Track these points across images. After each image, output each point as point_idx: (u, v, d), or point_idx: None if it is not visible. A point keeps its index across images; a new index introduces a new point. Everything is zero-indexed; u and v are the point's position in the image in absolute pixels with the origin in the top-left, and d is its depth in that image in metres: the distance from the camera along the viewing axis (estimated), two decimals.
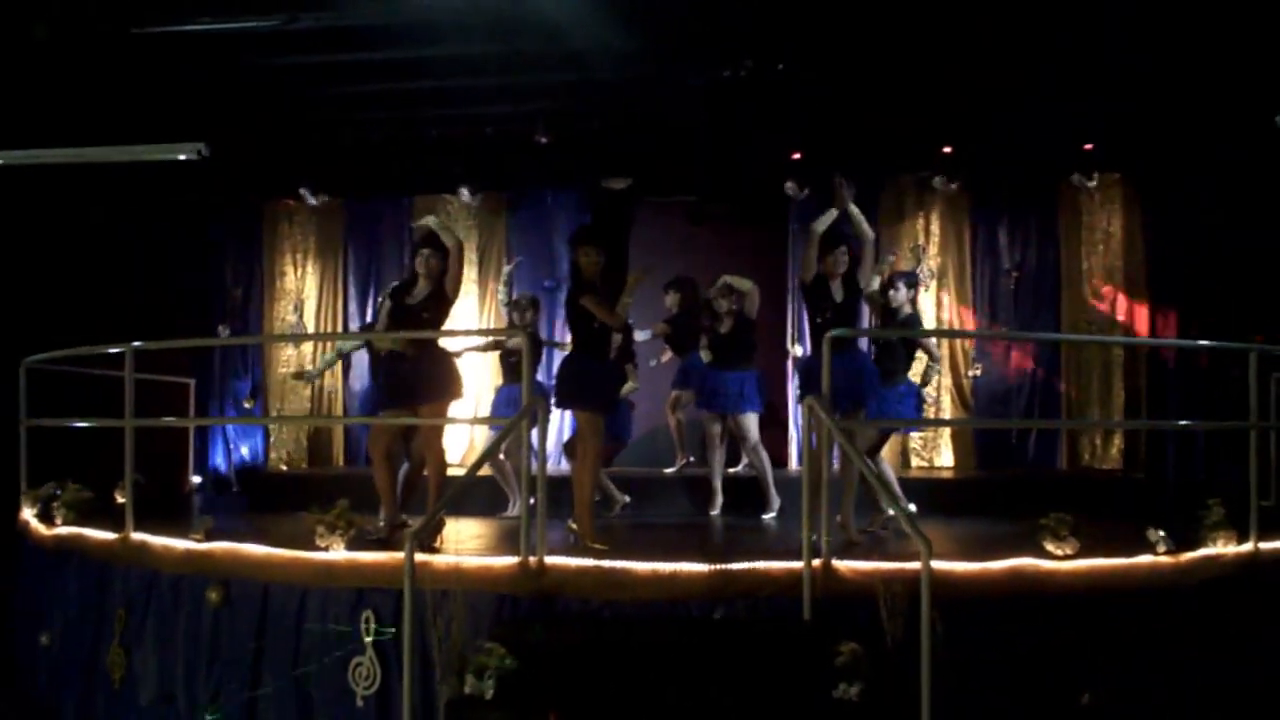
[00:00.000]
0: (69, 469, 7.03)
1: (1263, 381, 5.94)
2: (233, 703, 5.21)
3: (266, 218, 11.25)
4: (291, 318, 11.13)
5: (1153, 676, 4.78)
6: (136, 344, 6.00)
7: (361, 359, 8.96)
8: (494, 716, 4.10)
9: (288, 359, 11.06)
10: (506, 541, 5.77)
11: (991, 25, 7.38)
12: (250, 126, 9.34)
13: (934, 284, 10.23)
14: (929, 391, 8.71)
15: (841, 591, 4.63)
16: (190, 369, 9.88)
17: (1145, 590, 4.92)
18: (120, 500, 6.25)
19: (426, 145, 9.74)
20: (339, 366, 10.52)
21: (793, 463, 9.97)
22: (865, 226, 6.15)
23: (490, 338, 8.27)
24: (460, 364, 6.16)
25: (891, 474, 7.01)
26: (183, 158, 8.61)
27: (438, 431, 5.89)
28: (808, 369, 6.31)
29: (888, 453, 8.10)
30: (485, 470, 6.63)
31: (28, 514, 6.89)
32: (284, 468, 10.72)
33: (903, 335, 6.74)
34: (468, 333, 9.56)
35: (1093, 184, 9.70)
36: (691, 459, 8.60)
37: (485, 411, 9.63)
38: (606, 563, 4.83)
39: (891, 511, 5.98)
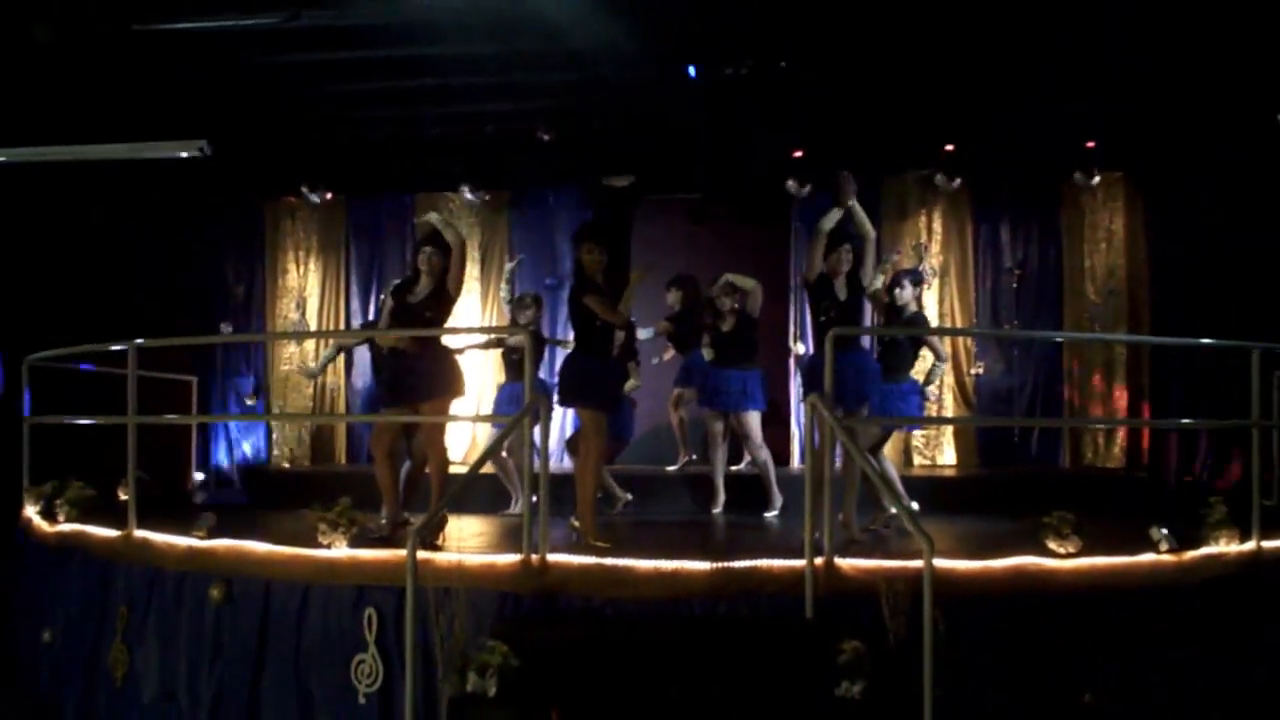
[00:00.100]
0: (71, 466, 7.04)
1: (1264, 379, 5.92)
2: (235, 700, 5.22)
3: (268, 215, 11.26)
4: (293, 315, 11.15)
5: (1155, 675, 4.78)
6: (139, 341, 6.01)
7: (364, 356, 8.98)
8: (496, 714, 4.10)
9: (290, 356, 11.07)
10: (509, 539, 5.77)
11: (991, 25, 7.38)
12: (252, 124, 9.35)
13: (936, 282, 10.22)
14: (931, 390, 8.70)
15: (844, 589, 4.63)
16: (192, 366, 9.89)
17: (1147, 589, 4.91)
18: (123, 497, 6.26)
19: (428, 143, 9.74)
20: (341, 364, 10.54)
21: (795, 461, 9.98)
22: (867, 224, 6.14)
23: (492, 335, 8.26)
24: (462, 362, 6.16)
25: (894, 472, 7.01)
26: (184, 155, 8.62)
27: (440, 429, 5.89)
28: (811, 367, 6.30)
29: (890, 451, 8.09)
30: (487, 468, 6.64)
31: (30, 511, 6.89)
32: (286, 465, 10.72)
33: (906, 333, 6.73)
34: (470, 330, 9.56)
35: (1095, 182, 9.70)
36: (694, 457, 8.60)
37: (487, 409, 9.64)
38: (609, 560, 4.83)
39: (894, 510, 5.98)
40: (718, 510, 7.60)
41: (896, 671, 4.11)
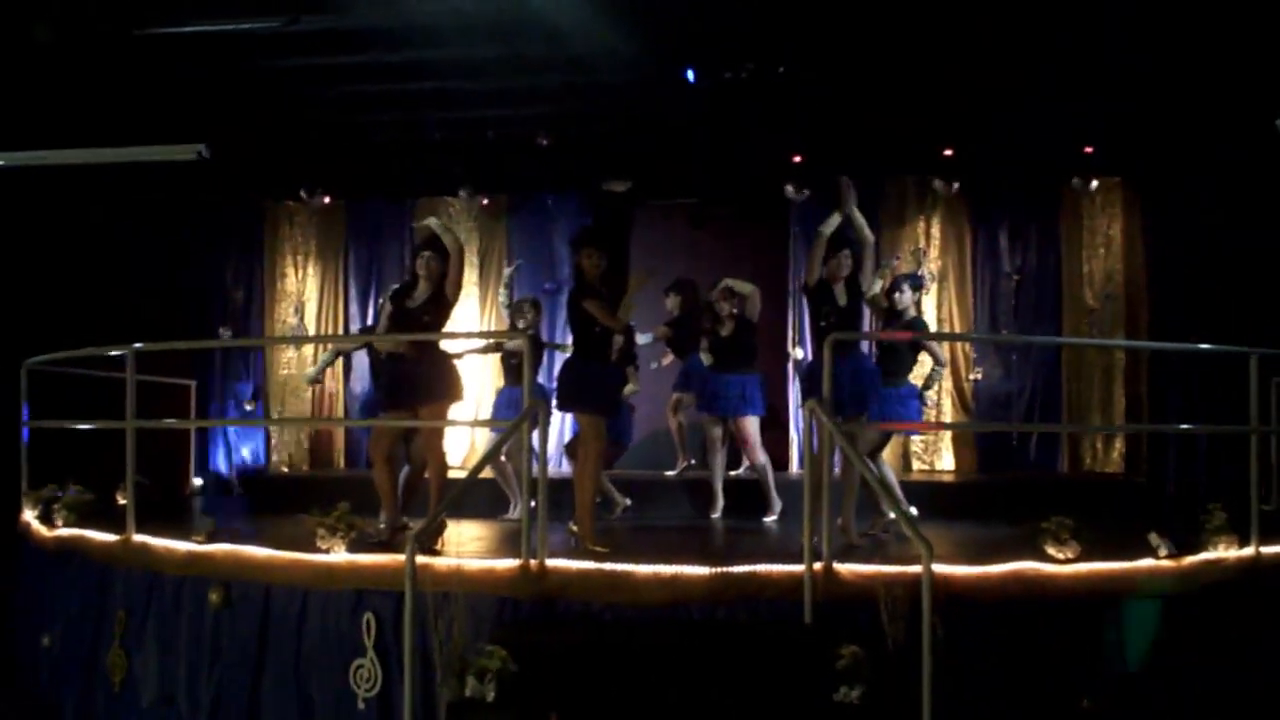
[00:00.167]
0: (70, 471, 7.04)
1: (1263, 385, 5.93)
2: (233, 705, 5.21)
3: (267, 219, 11.26)
4: (292, 319, 11.14)
5: (1153, 681, 4.77)
6: (138, 346, 6.01)
7: (362, 361, 8.98)
8: (495, 719, 4.10)
9: (288, 361, 11.07)
10: (507, 544, 5.77)
11: (991, 25, 7.38)
12: (251, 128, 9.35)
13: (934, 287, 10.23)
14: (930, 395, 8.70)
15: (842, 594, 4.63)
16: (191, 371, 9.90)
17: (1146, 594, 4.91)
18: (121, 502, 6.25)
19: (427, 147, 9.75)
20: (339, 369, 10.53)
21: (794, 465, 9.97)
22: (866, 230, 6.14)
23: (491, 340, 8.26)
24: (461, 366, 6.16)
25: (893, 477, 7.00)
26: (184, 159, 8.61)
27: (438, 434, 5.89)
28: (811, 373, 6.30)
29: (889, 455, 8.10)
30: (486, 472, 6.64)
31: (29, 515, 6.89)
32: (285, 470, 10.71)
33: (906, 338, 6.73)
34: (469, 335, 9.57)
35: (1093, 187, 9.71)
36: (692, 462, 8.60)
37: (486, 413, 9.64)
38: (607, 565, 4.83)
39: (892, 514, 5.97)
40: (716, 515, 7.59)
41: (895, 677, 4.11)
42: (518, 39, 7.58)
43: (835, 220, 6.01)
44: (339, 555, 5.18)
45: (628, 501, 7.69)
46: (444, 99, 9.06)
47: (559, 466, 9.22)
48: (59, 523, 6.47)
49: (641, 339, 8.09)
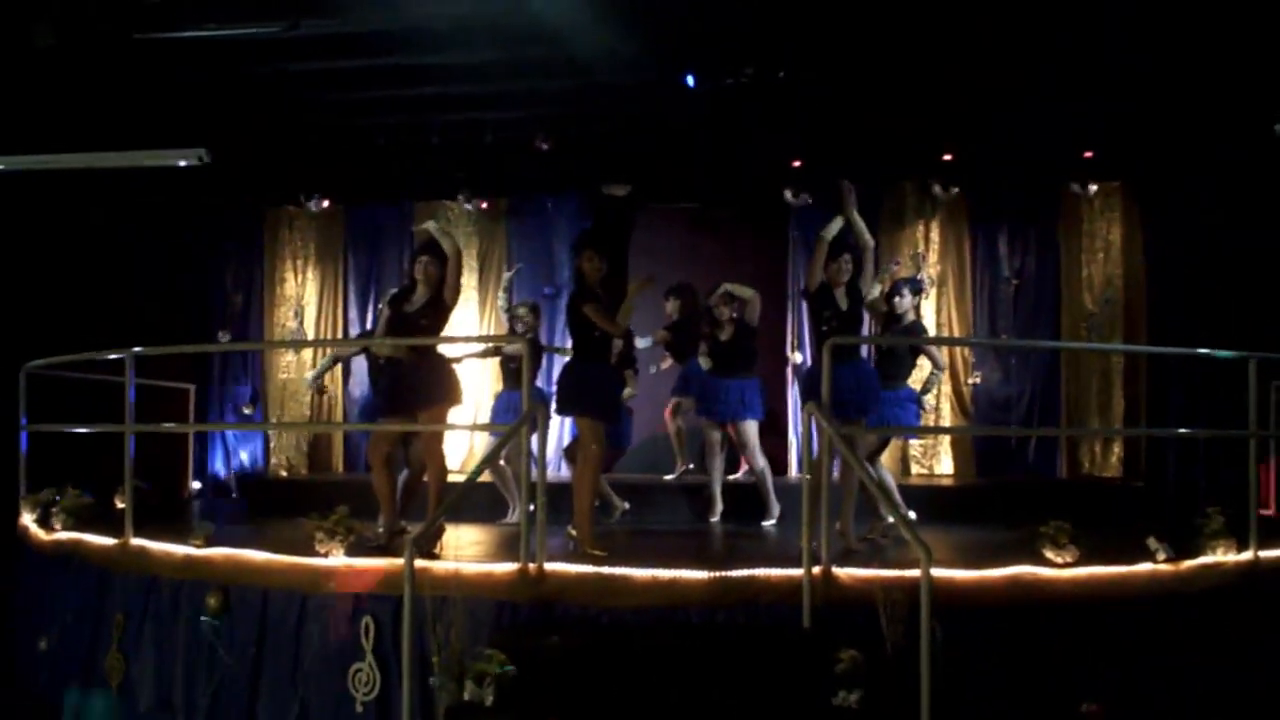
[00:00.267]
0: (69, 474, 7.03)
1: (1262, 389, 5.93)
2: (231, 709, 5.21)
3: (267, 223, 11.26)
4: (292, 323, 11.15)
5: (1152, 685, 4.77)
6: (137, 349, 6.01)
7: (361, 366, 8.98)
8: None
9: (288, 365, 11.07)
10: (506, 548, 5.76)
11: (991, 26, 7.38)
12: (251, 132, 9.36)
13: (934, 291, 10.24)
14: (929, 399, 8.70)
15: (841, 599, 4.63)
16: (190, 374, 9.90)
17: (1145, 599, 4.91)
18: (120, 505, 6.25)
19: (427, 151, 9.75)
20: (339, 373, 10.53)
21: (793, 470, 9.97)
22: (867, 234, 6.15)
23: (490, 344, 8.27)
24: (460, 370, 6.16)
25: (891, 481, 7.01)
26: (184, 163, 8.62)
27: (437, 438, 5.89)
28: (812, 377, 6.31)
29: (887, 459, 8.10)
30: (485, 477, 6.64)
31: (27, 519, 6.88)
32: (284, 474, 10.71)
33: (905, 343, 6.74)
34: (468, 339, 9.57)
35: (1093, 191, 9.72)
36: (691, 466, 8.59)
37: (485, 417, 9.63)
38: (606, 569, 4.83)
39: (891, 519, 5.97)
40: (715, 519, 7.59)
41: (894, 681, 4.11)
42: (517, 42, 7.58)
43: (836, 224, 6.02)
44: (337, 559, 5.18)
45: (626, 505, 7.69)
46: (444, 102, 9.07)
47: (558, 470, 9.23)
48: (57, 526, 6.47)
49: (641, 343, 8.09)
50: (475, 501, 7.55)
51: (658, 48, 7.77)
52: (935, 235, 10.33)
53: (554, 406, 5.88)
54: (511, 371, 7.67)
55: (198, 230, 11.01)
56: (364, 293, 11.11)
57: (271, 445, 11.02)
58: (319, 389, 10.03)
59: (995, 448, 10.10)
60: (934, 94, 8.54)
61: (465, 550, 5.74)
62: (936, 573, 4.29)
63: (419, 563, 4.57)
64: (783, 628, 4.60)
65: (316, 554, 5.20)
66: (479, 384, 10.16)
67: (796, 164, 9.82)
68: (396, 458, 6.25)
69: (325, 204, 10.62)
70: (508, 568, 4.87)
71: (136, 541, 5.78)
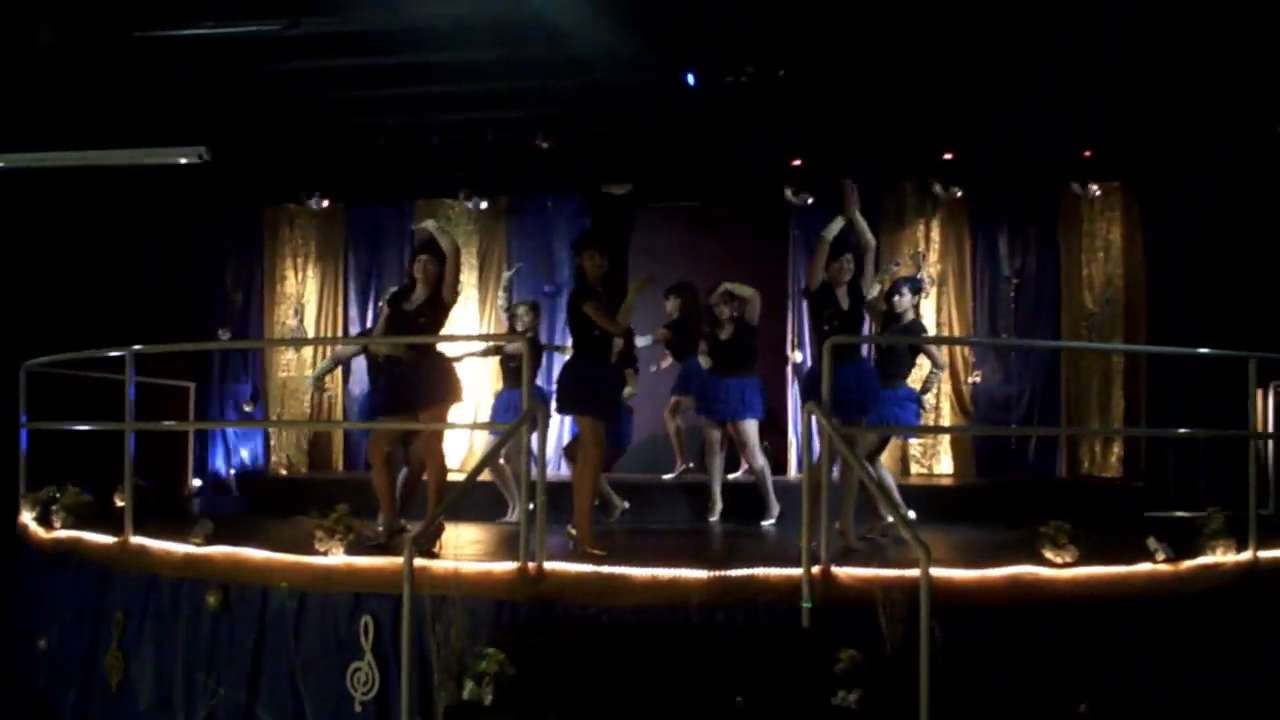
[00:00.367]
0: (69, 472, 7.04)
1: (1262, 389, 5.94)
2: (230, 707, 5.21)
3: (267, 221, 11.27)
4: (292, 322, 11.15)
5: (1152, 685, 4.78)
6: (137, 347, 6.01)
7: (361, 364, 8.99)
8: None
9: (288, 363, 11.07)
10: (506, 546, 5.76)
11: (991, 26, 7.38)
12: (251, 130, 9.36)
13: (934, 291, 10.23)
14: (929, 399, 8.70)
15: (841, 598, 4.63)
16: (190, 373, 9.90)
17: (1144, 599, 4.91)
18: (120, 503, 6.25)
19: (427, 149, 9.75)
20: (339, 372, 10.53)
21: (792, 469, 9.97)
22: (869, 234, 6.14)
23: (490, 342, 8.27)
24: (460, 368, 6.16)
25: (891, 481, 7.01)
26: (184, 161, 8.61)
27: (438, 436, 5.89)
28: (813, 377, 6.31)
29: (887, 459, 8.10)
30: (485, 475, 6.63)
31: (27, 517, 6.88)
32: (284, 472, 10.71)
33: (905, 341, 6.74)
34: (468, 337, 9.57)
35: (1093, 192, 9.72)
36: (691, 465, 8.60)
37: (485, 416, 9.64)
38: (605, 568, 4.83)
39: (891, 518, 5.97)
40: (715, 518, 7.59)
41: (893, 680, 4.11)
42: (517, 41, 7.58)
43: (838, 224, 6.02)
44: (337, 558, 5.18)
45: (626, 504, 7.69)
46: (444, 101, 9.07)
47: (558, 469, 9.23)
48: (57, 524, 6.47)
49: (641, 341, 8.09)
50: (475, 500, 7.55)
51: (658, 47, 7.77)
52: (936, 234, 10.33)
53: (554, 405, 5.87)
54: (511, 370, 7.67)
55: (198, 228, 11.01)
56: (364, 291, 11.12)
57: (272, 443, 11.02)
58: (319, 388, 10.05)
59: (995, 447, 10.10)
60: (934, 94, 8.54)
61: (465, 549, 5.74)
62: (936, 572, 4.30)
63: (418, 561, 4.57)
64: (782, 627, 4.60)
65: (316, 552, 5.20)
66: (479, 383, 10.16)
67: (796, 163, 9.81)
68: (396, 456, 6.25)
69: (325, 203, 10.62)
70: (507, 567, 4.87)
71: (136, 540, 5.78)
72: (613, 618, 4.69)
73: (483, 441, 9.97)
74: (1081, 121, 9.01)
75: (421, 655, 4.44)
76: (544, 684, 4.21)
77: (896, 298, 6.67)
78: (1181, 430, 8.99)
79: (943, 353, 8.37)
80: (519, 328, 7.51)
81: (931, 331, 9.74)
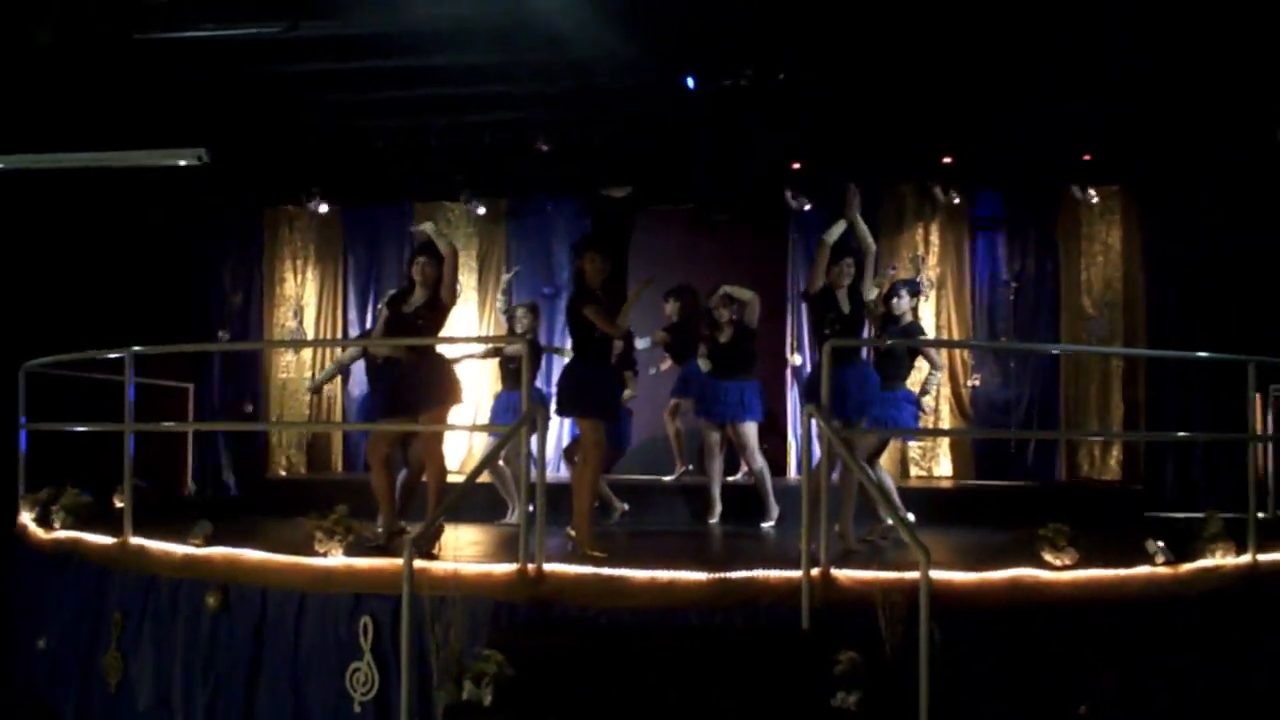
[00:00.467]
0: (68, 473, 7.03)
1: (1261, 392, 5.94)
2: (230, 708, 5.21)
3: (267, 223, 11.27)
4: (291, 323, 11.15)
5: (1151, 687, 4.77)
6: (136, 348, 6.01)
7: (360, 366, 8.99)
8: None
9: (287, 364, 11.07)
10: (505, 548, 5.76)
11: (991, 26, 7.39)
12: (251, 132, 9.37)
13: (933, 294, 10.24)
14: (928, 401, 8.70)
15: (840, 600, 4.62)
16: (189, 374, 9.89)
17: (1143, 601, 4.91)
18: (119, 504, 6.25)
19: (427, 152, 9.76)
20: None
21: (792, 471, 9.97)
22: (869, 238, 6.15)
23: (490, 344, 8.28)
24: (459, 370, 6.16)
25: (890, 483, 7.01)
26: (184, 163, 8.63)
27: (437, 438, 5.89)
28: (813, 381, 6.31)
29: (887, 461, 8.10)
30: (484, 477, 6.64)
31: (26, 518, 6.88)
32: (283, 473, 10.71)
33: (905, 344, 6.74)
34: (468, 339, 9.57)
35: (1093, 197, 9.73)
36: (690, 467, 8.59)
37: (484, 418, 9.63)
38: (605, 570, 4.83)
39: (890, 520, 5.97)
40: (714, 520, 7.59)
41: (892, 682, 4.11)
42: (517, 44, 7.59)
43: (839, 228, 6.02)
44: (336, 559, 5.17)
45: (625, 506, 7.69)
46: (444, 104, 9.08)
47: (557, 471, 9.23)
48: (56, 525, 6.46)
49: (640, 344, 8.09)
50: (474, 502, 7.55)
51: (657, 49, 7.78)
52: (935, 237, 10.34)
53: (554, 407, 5.88)
54: (511, 372, 7.67)
55: (198, 230, 11.01)
56: (363, 293, 11.12)
57: (271, 445, 11.01)
58: (315, 391, 10.04)
59: (994, 450, 10.10)
60: (934, 96, 8.55)
61: (464, 550, 5.74)
62: (935, 574, 4.30)
63: (418, 563, 4.57)
64: (781, 629, 4.59)
65: (315, 554, 5.20)
66: (479, 384, 10.16)
67: (796, 166, 9.82)
68: (395, 458, 6.25)
69: (323, 206, 10.62)
70: (506, 568, 4.86)
71: (135, 540, 5.77)
72: (612, 619, 4.69)
73: (482, 443, 9.96)
74: (1081, 124, 9.02)
75: (421, 656, 4.43)
76: (543, 685, 4.21)
77: (895, 300, 6.67)
78: (1180, 433, 9.00)
79: (942, 356, 8.38)
80: (518, 330, 7.51)
81: (931, 334, 9.75)
